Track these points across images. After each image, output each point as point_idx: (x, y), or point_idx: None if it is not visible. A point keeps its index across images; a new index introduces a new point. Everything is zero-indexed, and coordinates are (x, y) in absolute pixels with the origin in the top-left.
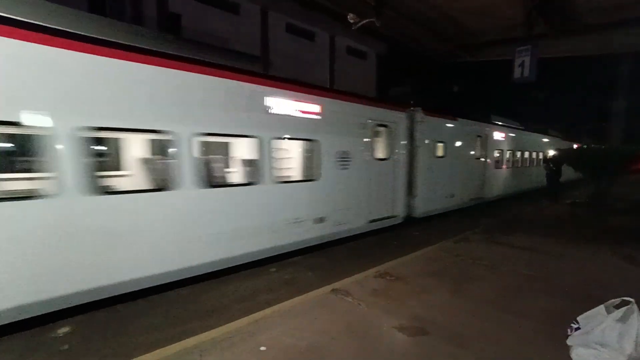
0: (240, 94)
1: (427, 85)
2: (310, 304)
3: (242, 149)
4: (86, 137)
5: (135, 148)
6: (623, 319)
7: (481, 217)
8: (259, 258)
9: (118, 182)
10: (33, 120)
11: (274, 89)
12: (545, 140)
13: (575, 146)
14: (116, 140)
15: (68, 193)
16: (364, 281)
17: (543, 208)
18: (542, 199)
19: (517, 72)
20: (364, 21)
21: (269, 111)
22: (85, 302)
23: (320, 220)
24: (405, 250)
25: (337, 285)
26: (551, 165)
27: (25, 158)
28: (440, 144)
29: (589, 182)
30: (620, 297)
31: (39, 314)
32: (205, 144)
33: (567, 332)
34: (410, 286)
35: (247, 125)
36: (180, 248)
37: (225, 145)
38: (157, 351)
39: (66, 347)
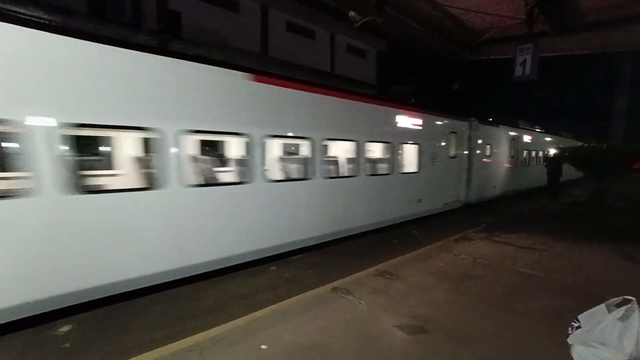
0: (384, 115)
1: (428, 84)
2: (310, 302)
3: (385, 151)
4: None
5: (338, 149)
6: (624, 318)
7: (481, 216)
8: (397, 222)
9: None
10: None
11: (399, 109)
12: (560, 141)
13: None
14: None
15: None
16: (364, 280)
17: (543, 207)
18: (542, 197)
19: (518, 70)
20: (365, 19)
21: (397, 125)
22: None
23: (419, 201)
24: (406, 249)
25: (337, 283)
26: (552, 164)
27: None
28: (488, 146)
29: (590, 180)
30: (621, 295)
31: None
32: (370, 148)
33: (567, 330)
34: (410, 285)
35: (389, 135)
36: (362, 213)
37: (379, 148)
38: (158, 349)
39: (67, 345)
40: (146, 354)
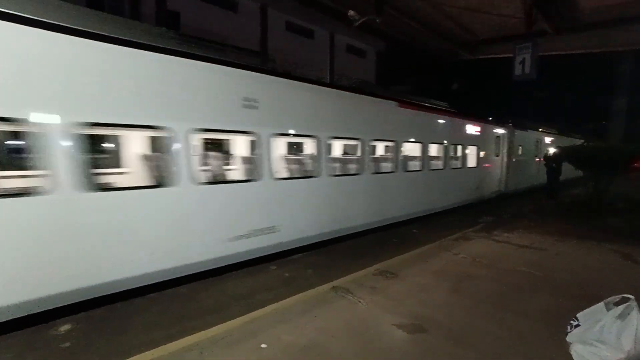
0: (456, 125)
1: (427, 84)
2: (310, 302)
3: (457, 151)
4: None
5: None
6: (622, 316)
7: (481, 215)
8: (465, 204)
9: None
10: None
11: (468, 120)
12: (572, 141)
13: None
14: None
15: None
16: (364, 279)
17: (543, 206)
18: (541, 197)
19: (517, 70)
20: (364, 18)
21: (466, 131)
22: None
23: (477, 189)
24: (405, 248)
25: (336, 283)
26: (552, 163)
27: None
28: (520, 147)
29: (589, 180)
30: (620, 294)
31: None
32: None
33: (566, 329)
34: (409, 284)
35: (463, 139)
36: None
37: (457, 149)
38: (158, 349)
39: (67, 344)
40: (145, 353)
